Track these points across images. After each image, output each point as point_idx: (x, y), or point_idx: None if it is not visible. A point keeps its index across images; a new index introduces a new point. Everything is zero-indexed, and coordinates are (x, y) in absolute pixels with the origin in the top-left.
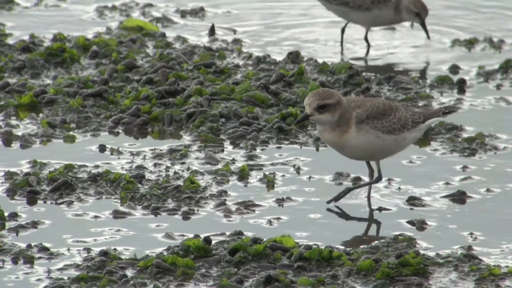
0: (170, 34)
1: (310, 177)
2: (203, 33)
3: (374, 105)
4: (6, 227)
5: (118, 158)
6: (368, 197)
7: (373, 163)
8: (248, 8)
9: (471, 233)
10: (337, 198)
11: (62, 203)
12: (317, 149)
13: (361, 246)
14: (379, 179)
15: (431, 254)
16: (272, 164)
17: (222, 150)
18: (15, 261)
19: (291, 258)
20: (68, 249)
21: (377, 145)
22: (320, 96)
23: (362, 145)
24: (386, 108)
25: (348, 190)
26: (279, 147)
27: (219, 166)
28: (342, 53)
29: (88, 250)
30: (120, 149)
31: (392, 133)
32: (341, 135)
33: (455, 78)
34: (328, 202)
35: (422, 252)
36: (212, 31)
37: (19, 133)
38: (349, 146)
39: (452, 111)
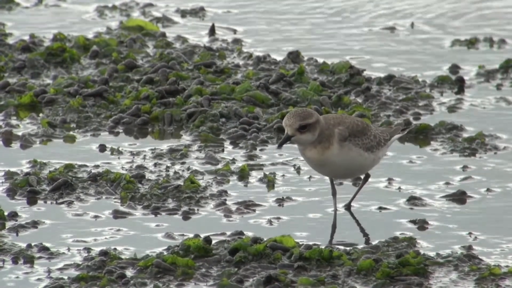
0: (170, 34)
1: (310, 177)
2: (203, 33)
3: (353, 123)
4: (6, 227)
5: (118, 158)
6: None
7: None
8: (248, 8)
9: (470, 233)
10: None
11: (62, 203)
12: None
13: (361, 246)
14: (367, 177)
15: (431, 254)
16: (272, 164)
17: (222, 150)
18: (15, 260)
19: (291, 258)
20: (68, 249)
21: (358, 162)
22: (301, 116)
23: (344, 162)
24: (364, 126)
25: (348, 208)
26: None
27: (219, 166)
28: None
29: (88, 249)
30: (120, 149)
31: (371, 150)
32: (322, 152)
33: (455, 78)
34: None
35: (422, 252)
36: (212, 31)
37: (19, 133)
38: (330, 163)
39: (409, 128)
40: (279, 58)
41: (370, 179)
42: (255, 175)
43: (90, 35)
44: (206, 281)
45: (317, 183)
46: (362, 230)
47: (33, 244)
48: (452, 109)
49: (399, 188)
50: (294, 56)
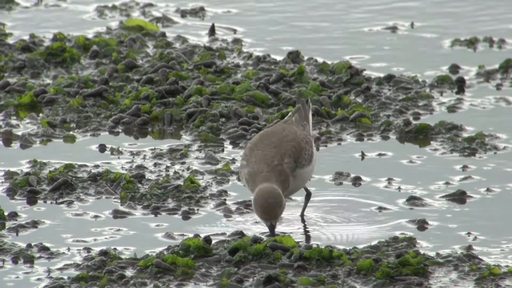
0: (170, 33)
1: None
2: (203, 33)
3: (292, 147)
4: (6, 227)
5: (118, 158)
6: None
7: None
8: (248, 8)
9: (469, 233)
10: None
11: (62, 202)
12: (317, 149)
13: (361, 246)
14: (310, 195)
15: (431, 253)
16: None
17: (222, 150)
18: (15, 260)
19: (291, 257)
20: (68, 249)
21: (309, 174)
22: (278, 207)
23: (303, 181)
24: (299, 143)
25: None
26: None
27: (219, 165)
28: None
29: (88, 249)
30: (120, 148)
31: (310, 160)
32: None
33: (455, 77)
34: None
35: (422, 251)
36: (212, 31)
37: (19, 133)
38: (297, 186)
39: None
40: (279, 58)
41: (369, 179)
42: None
43: (90, 35)
44: (206, 281)
45: (317, 183)
46: (362, 230)
47: (33, 244)
48: (452, 109)
49: (399, 188)
50: (294, 56)
